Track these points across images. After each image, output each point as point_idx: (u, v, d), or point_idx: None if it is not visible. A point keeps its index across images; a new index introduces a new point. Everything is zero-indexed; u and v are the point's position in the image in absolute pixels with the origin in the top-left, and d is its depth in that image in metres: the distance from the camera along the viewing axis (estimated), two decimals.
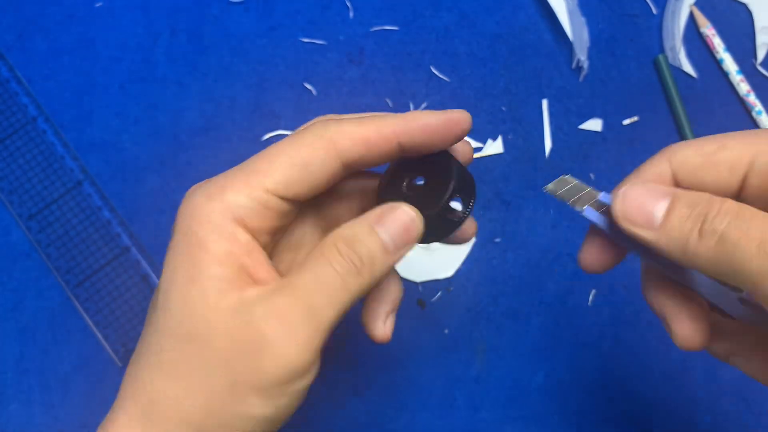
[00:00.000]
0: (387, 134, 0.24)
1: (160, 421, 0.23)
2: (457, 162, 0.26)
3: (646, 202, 0.23)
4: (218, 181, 0.25)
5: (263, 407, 0.22)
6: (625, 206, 0.24)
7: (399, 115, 0.25)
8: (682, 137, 0.46)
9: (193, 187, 0.25)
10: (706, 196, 0.23)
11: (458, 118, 0.25)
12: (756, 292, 0.21)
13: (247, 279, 0.24)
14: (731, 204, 0.22)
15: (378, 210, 0.25)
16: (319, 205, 0.29)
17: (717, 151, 0.24)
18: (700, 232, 0.22)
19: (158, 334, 0.24)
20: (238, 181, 0.24)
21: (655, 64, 0.47)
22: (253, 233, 0.24)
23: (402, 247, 0.25)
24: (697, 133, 0.47)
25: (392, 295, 0.28)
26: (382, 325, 0.28)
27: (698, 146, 0.24)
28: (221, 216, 0.24)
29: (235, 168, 0.25)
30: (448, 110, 0.25)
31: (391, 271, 0.28)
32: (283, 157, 0.24)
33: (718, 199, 0.22)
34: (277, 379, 0.22)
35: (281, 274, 0.26)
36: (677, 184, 0.25)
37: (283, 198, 0.24)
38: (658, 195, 0.23)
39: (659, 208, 0.23)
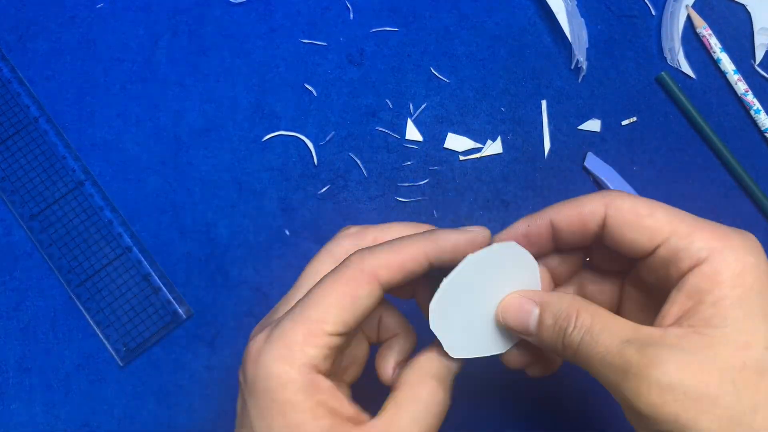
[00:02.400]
0: (420, 258, 0.27)
1: None
2: None
3: (521, 314, 0.28)
4: (280, 337, 0.26)
5: None
6: (507, 319, 0.29)
7: (427, 235, 0.28)
8: (712, 148, 0.46)
9: (253, 346, 0.27)
10: (565, 304, 0.27)
11: (480, 239, 0.28)
12: (608, 388, 0.25)
13: (341, 421, 0.26)
14: (585, 318, 0.26)
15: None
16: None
17: (647, 216, 0.27)
18: (563, 344, 0.26)
19: None
20: (300, 334, 0.26)
21: (659, 82, 0.47)
22: (325, 373, 0.27)
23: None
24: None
25: (406, 346, 0.31)
26: (390, 373, 0.30)
27: (633, 204, 0.27)
28: (299, 373, 0.25)
29: (289, 317, 0.27)
30: (471, 229, 0.28)
31: (407, 328, 0.31)
32: (332, 298, 0.26)
33: (575, 307, 0.26)
34: None
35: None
36: (556, 233, 0.29)
37: (341, 335, 0.26)
38: (530, 306, 0.28)
39: (533, 319, 0.28)
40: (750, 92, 0.46)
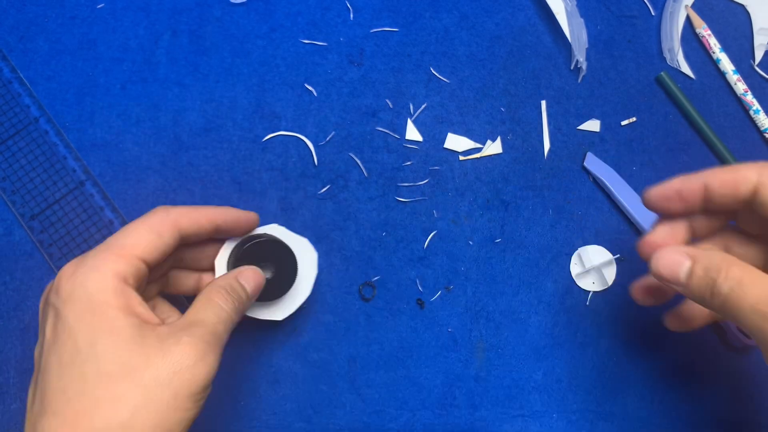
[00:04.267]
0: (210, 217, 0.35)
1: None
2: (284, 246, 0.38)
3: (673, 264, 0.31)
4: (93, 257, 0.31)
5: (194, 410, 0.30)
6: (659, 267, 0.32)
7: (219, 207, 0.36)
8: (711, 148, 0.46)
9: (65, 269, 0.31)
10: (717, 259, 0.30)
11: (252, 218, 0.38)
12: (753, 337, 0.29)
13: (149, 321, 0.31)
14: (736, 270, 0.29)
15: (238, 270, 0.36)
16: (161, 279, 0.38)
17: None
18: (711, 293, 0.30)
19: (84, 379, 0.29)
20: (112, 254, 0.31)
21: (659, 82, 0.47)
22: (133, 288, 0.32)
23: (255, 294, 0.36)
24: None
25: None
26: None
27: None
28: (111, 279, 0.30)
29: (100, 247, 0.32)
30: (247, 212, 0.38)
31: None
32: (141, 231, 0.32)
33: (726, 262, 0.30)
34: (203, 388, 0.30)
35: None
36: (708, 194, 0.32)
37: (146, 263, 0.32)
38: (682, 258, 0.31)
39: (683, 270, 0.31)
40: (749, 92, 0.46)
